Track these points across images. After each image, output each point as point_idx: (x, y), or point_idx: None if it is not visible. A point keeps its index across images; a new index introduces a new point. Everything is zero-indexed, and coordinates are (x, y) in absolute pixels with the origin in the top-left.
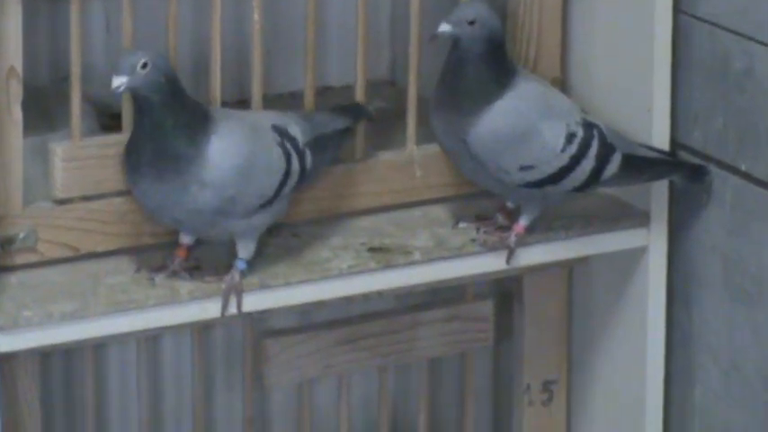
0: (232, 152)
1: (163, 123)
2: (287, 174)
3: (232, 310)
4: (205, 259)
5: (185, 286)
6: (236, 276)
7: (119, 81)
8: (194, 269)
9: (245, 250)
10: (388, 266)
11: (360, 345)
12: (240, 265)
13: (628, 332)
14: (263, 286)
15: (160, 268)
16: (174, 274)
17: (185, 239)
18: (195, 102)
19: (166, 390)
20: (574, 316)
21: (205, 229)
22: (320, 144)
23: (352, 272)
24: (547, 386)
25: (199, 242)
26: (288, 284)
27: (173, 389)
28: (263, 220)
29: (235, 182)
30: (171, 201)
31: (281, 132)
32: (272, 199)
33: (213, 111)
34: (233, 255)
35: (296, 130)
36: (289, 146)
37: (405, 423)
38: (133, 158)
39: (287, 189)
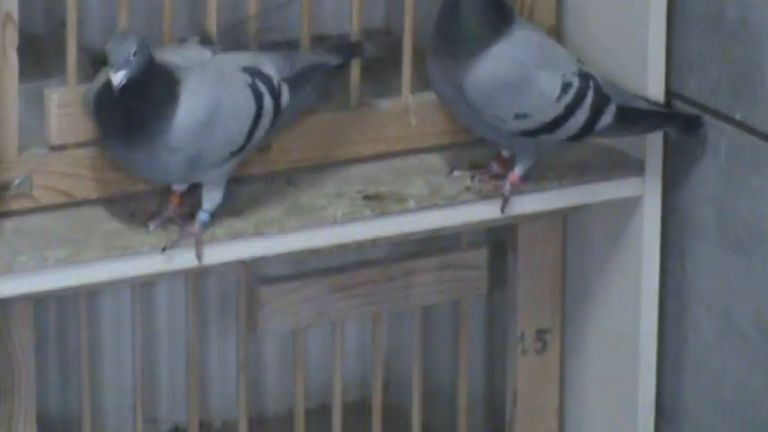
0: (197, 110)
1: (135, 98)
2: (258, 116)
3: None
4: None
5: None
6: (196, 227)
7: (119, 77)
8: (189, 215)
9: (210, 201)
10: (383, 214)
11: (354, 292)
12: (203, 216)
13: (622, 281)
14: (258, 233)
15: (154, 215)
16: (169, 221)
17: (178, 186)
18: (163, 68)
19: (160, 336)
20: (568, 265)
21: (177, 182)
22: (302, 78)
23: (346, 219)
24: (540, 335)
25: (193, 187)
26: (282, 232)
27: (167, 335)
28: (232, 167)
29: (200, 139)
30: (142, 165)
31: (253, 73)
32: (244, 146)
33: (179, 71)
34: (198, 204)
35: (271, 69)
36: (261, 86)
37: (398, 370)
38: (103, 121)
39: (259, 133)
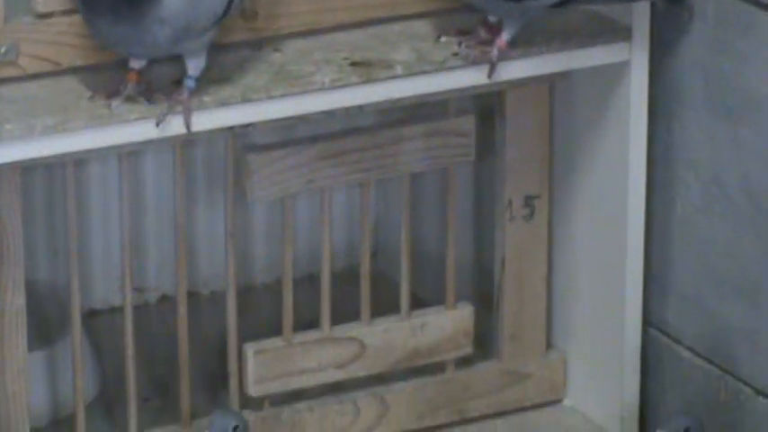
0: None
1: None
2: None
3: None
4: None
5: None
6: (185, 94)
7: None
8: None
9: (194, 68)
10: (370, 80)
11: (342, 160)
12: (189, 83)
13: (609, 147)
14: (245, 100)
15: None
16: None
17: (136, 64)
18: None
19: (148, 206)
20: (556, 131)
21: (158, 56)
22: None
23: (334, 86)
24: (528, 201)
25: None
26: (270, 98)
27: (154, 205)
28: (213, 35)
29: (188, 9)
30: (130, 39)
31: None
32: (224, 14)
33: None
34: (183, 73)
35: None
36: None
37: (386, 238)
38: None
39: (236, 1)
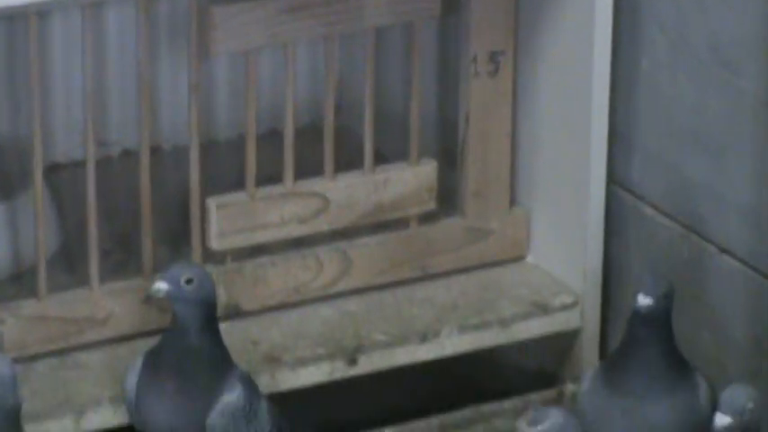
0: None
1: None
2: None
3: None
4: None
5: None
6: None
7: None
8: None
9: None
10: None
11: (306, 13)
12: None
13: (575, 3)
14: None
15: None
16: None
17: None
18: None
19: (111, 60)
20: None
21: None
22: None
23: None
24: (493, 57)
25: None
26: None
27: (117, 59)
28: None
29: None
30: None
31: None
32: None
33: None
34: None
35: None
36: None
37: (350, 94)
38: None
39: None
